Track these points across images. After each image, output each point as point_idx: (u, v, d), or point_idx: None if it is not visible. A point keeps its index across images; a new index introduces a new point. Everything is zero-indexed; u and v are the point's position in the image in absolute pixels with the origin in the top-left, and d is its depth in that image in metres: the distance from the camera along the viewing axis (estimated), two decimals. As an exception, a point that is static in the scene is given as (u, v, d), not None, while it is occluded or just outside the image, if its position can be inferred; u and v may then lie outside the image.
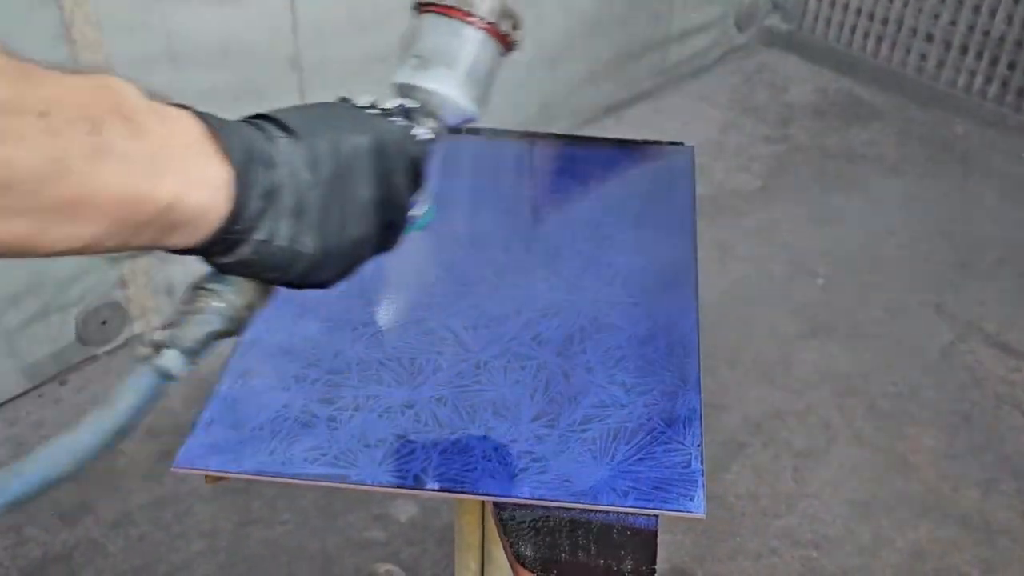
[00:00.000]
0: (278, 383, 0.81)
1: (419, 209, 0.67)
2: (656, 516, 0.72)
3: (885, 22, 3.20)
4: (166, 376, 0.53)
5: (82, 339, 1.99)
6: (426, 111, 0.70)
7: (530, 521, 0.72)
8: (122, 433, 0.51)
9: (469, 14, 0.71)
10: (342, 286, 0.62)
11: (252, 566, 1.69)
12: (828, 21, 3.35)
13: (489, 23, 0.71)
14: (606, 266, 0.96)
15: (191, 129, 0.52)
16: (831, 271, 2.43)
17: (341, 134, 0.58)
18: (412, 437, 0.77)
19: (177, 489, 1.81)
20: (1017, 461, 1.95)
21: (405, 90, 0.71)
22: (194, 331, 0.55)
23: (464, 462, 0.75)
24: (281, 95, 2.05)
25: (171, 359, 0.53)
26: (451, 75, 0.70)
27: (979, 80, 3.04)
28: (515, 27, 0.73)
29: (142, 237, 0.49)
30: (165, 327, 0.55)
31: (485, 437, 0.77)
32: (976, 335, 2.25)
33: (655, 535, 0.71)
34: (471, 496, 0.73)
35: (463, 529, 1.04)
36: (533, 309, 0.90)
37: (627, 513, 0.72)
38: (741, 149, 2.92)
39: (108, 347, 2.05)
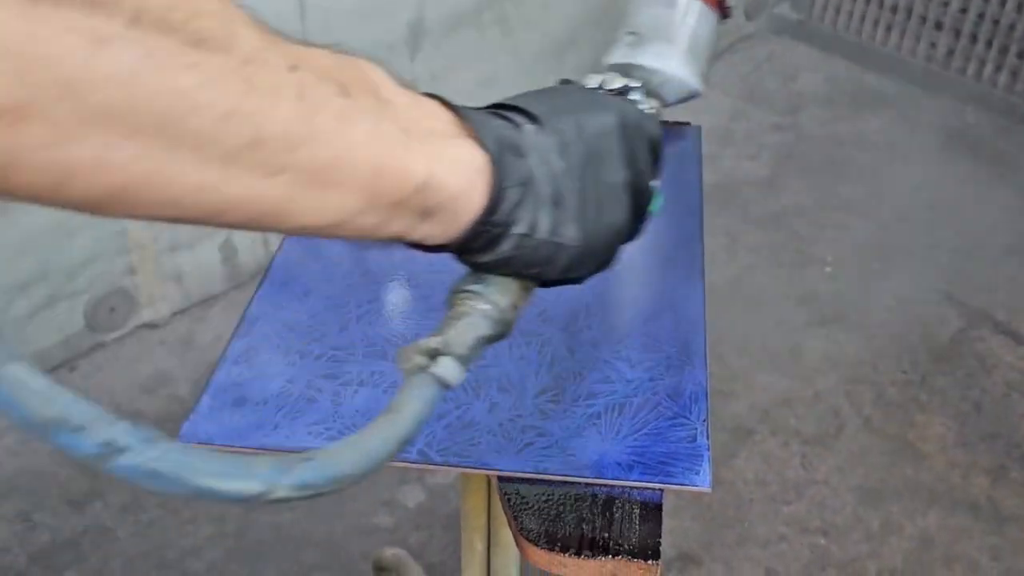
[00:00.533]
0: (282, 359, 0.81)
1: (654, 191, 0.64)
2: (661, 490, 0.72)
3: (895, 10, 3.19)
4: (444, 385, 0.50)
5: (91, 326, 2.00)
6: (647, 90, 0.65)
7: (534, 495, 0.72)
8: (407, 443, 0.48)
9: None
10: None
11: (260, 551, 1.69)
12: (837, 9, 3.33)
13: None
14: (612, 244, 0.95)
15: (441, 113, 0.49)
16: (839, 259, 2.42)
17: (584, 116, 0.54)
18: (416, 412, 0.76)
19: (185, 475, 1.81)
20: (1027, 448, 1.94)
21: (623, 69, 0.66)
22: (464, 337, 0.52)
23: (468, 436, 0.75)
24: (288, 82, 2.04)
25: (447, 367, 0.50)
26: (671, 50, 0.65)
27: (989, 69, 3.02)
28: None
29: (396, 221, 0.46)
30: (435, 335, 0.52)
31: (490, 412, 0.77)
32: (986, 323, 2.24)
33: (660, 509, 0.71)
34: (475, 470, 0.73)
35: (469, 511, 1.04)
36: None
37: (632, 487, 0.72)
38: (750, 137, 2.91)
39: (117, 334, 2.06)
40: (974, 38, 3.03)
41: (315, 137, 0.40)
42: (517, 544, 0.71)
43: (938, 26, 3.10)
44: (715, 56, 0.67)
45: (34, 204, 0.36)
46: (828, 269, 2.40)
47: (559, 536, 0.69)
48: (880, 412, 2.01)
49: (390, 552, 1.47)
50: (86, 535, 1.71)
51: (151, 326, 2.10)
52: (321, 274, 0.91)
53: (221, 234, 2.11)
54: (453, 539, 1.70)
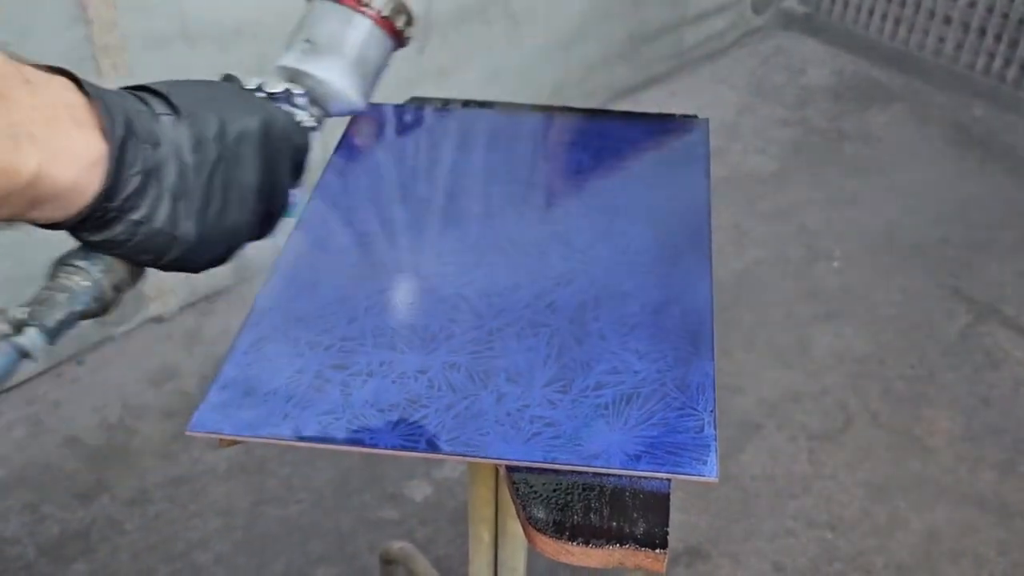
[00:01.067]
0: (291, 349, 0.81)
1: (294, 198, 0.65)
2: (669, 480, 0.72)
3: (903, 4, 3.18)
4: (23, 354, 0.51)
5: (98, 320, 2.00)
6: (311, 98, 0.69)
7: (542, 484, 0.72)
8: None
9: (363, 3, 0.70)
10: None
11: (267, 544, 1.70)
12: (845, 3, 3.32)
13: (383, 16, 0.70)
14: (619, 235, 0.95)
15: (65, 97, 0.48)
16: (847, 254, 2.42)
17: (229, 116, 0.56)
18: (425, 402, 0.77)
19: (193, 468, 1.82)
20: (1035, 443, 1.94)
21: (292, 74, 0.69)
22: (57, 310, 0.53)
23: (477, 426, 0.75)
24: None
25: (30, 338, 0.51)
26: (340, 64, 0.69)
27: (998, 63, 3.01)
28: (408, 23, 0.72)
29: (2, 210, 0.46)
30: (27, 304, 0.52)
31: (498, 402, 0.77)
32: (994, 317, 2.23)
33: (667, 499, 0.71)
34: (483, 460, 0.73)
35: (476, 502, 1.04)
36: (546, 278, 0.90)
37: (640, 477, 0.72)
38: (757, 132, 2.91)
39: (125, 328, 2.07)
40: (983, 32, 3.02)
41: None
42: (525, 533, 0.71)
43: (947, 20, 3.09)
44: (381, 78, 0.74)
45: None
46: (836, 263, 2.39)
47: (567, 525, 0.69)
48: (887, 407, 2.01)
49: (397, 545, 1.47)
50: (94, 527, 1.71)
51: (158, 320, 2.11)
52: (329, 266, 0.92)
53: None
54: (460, 533, 1.70)
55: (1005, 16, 2.96)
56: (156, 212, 0.51)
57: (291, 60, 0.70)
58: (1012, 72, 2.99)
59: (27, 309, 0.52)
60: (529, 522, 0.70)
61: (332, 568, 1.67)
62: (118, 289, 0.56)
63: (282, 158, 0.59)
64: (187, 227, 0.53)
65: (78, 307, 0.54)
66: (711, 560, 1.71)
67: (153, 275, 1.92)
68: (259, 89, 0.66)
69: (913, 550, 1.74)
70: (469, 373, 0.80)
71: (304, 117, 0.67)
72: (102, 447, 1.86)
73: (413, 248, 0.95)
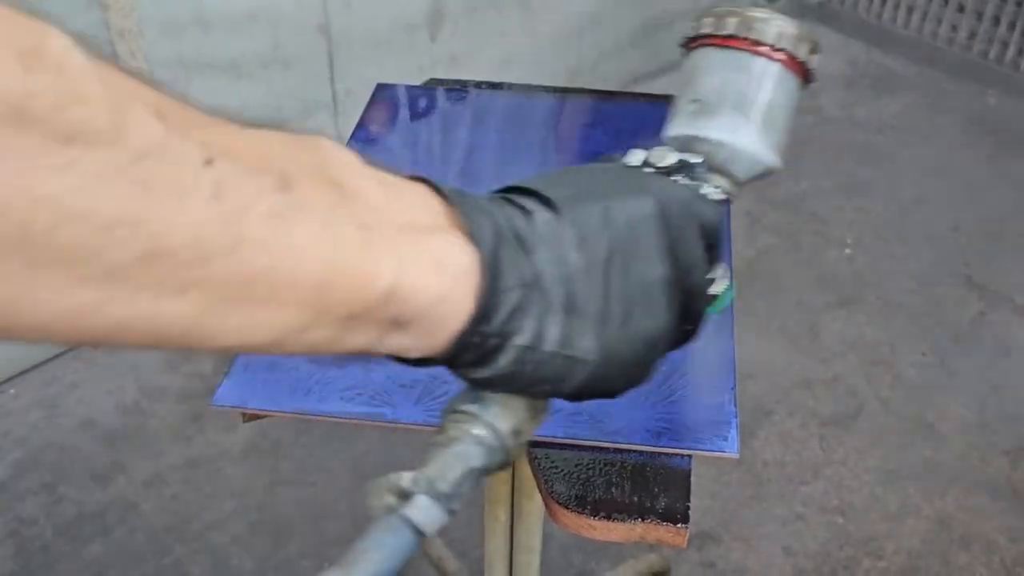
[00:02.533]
0: (314, 326, 0.82)
1: (717, 286, 0.55)
2: (690, 456, 0.73)
3: (916, -8, 3.17)
4: (417, 532, 0.41)
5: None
6: (713, 166, 0.57)
7: (563, 460, 0.73)
8: None
9: (757, 43, 0.57)
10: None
11: (283, 525, 1.71)
12: (858, -8, 3.31)
13: (782, 50, 0.57)
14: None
15: (423, 200, 0.41)
16: (859, 241, 2.42)
17: (613, 201, 0.45)
18: (447, 378, 0.77)
19: (208, 450, 1.83)
20: (1047, 430, 1.94)
21: (684, 143, 0.58)
22: (449, 471, 0.43)
23: (498, 402, 0.75)
24: (309, 62, 2.05)
25: (423, 510, 0.41)
26: (740, 120, 0.58)
27: (1012, 51, 3.00)
28: (812, 51, 0.59)
29: (357, 335, 0.39)
30: (417, 468, 0.43)
31: (519, 379, 0.77)
32: (1006, 305, 2.23)
33: (689, 474, 0.72)
34: (505, 435, 0.74)
35: (493, 481, 1.05)
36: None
37: (661, 453, 0.73)
38: (769, 120, 2.90)
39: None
40: (996, 20, 3.01)
41: (237, 244, 0.33)
42: (547, 508, 0.72)
43: (960, 8, 3.08)
44: (790, 125, 0.60)
45: None
46: (848, 251, 2.39)
47: (589, 500, 0.70)
48: (899, 394, 2.02)
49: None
50: (111, 508, 1.73)
51: (174, 304, 2.12)
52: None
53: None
54: (475, 514, 1.71)
55: (1019, 3, 2.94)
56: (545, 332, 0.42)
57: (680, 127, 0.59)
58: (1026, 60, 2.98)
59: (414, 475, 0.42)
60: (551, 497, 0.70)
61: (347, 549, 1.68)
62: (518, 434, 0.45)
63: (689, 240, 0.48)
64: (587, 344, 0.43)
65: (474, 464, 0.44)
66: (722, 544, 1.72)
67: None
68: (646, 164, 0.55)
69: (924, 536, 1.74)
70: (490, 350, 0.80)
71: (709, 189, 0.56)
72: (118, 429, 1.87)
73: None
